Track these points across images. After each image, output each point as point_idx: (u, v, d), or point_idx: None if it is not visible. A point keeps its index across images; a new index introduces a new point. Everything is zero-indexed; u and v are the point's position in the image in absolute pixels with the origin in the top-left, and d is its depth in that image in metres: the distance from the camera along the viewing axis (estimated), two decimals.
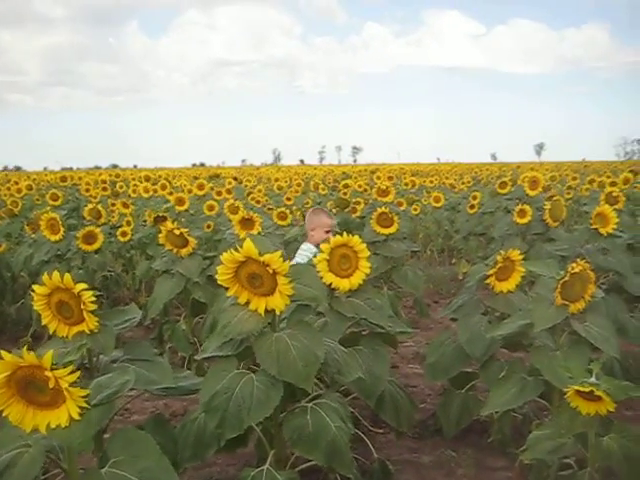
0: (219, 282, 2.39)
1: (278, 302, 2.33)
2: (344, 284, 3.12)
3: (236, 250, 2.32)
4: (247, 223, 5.28)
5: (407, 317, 6.65)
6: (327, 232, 4.78)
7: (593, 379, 2.22)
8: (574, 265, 2.86)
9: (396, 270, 6.22)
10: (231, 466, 3.71)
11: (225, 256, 2.33)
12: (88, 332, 2.44)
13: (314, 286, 2.44)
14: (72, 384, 1.76)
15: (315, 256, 4.35)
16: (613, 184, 7.93)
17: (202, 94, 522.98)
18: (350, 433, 2.49)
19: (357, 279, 3.13)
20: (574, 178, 14.21)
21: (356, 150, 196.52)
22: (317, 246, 4.64)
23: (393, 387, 3.43)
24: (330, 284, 3.10)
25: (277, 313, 2.41)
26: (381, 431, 4.10)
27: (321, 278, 3.05)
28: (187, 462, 2.68)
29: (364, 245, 3.11)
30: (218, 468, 3.72)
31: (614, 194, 6.54)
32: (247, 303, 2.42)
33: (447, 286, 8.31)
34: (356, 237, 3.10)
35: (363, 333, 3.46)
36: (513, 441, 3.48)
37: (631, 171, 10.63)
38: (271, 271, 2.28)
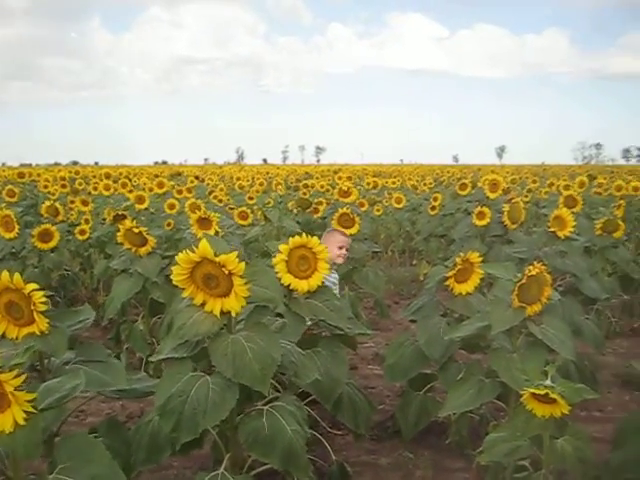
0: (174, 283, 2.35)
1: (234, 304, 2.29)
2: (302, 285, 3.09)
3: (192, 250, 2.28)
4: (205, 222, 5.22)
5: (368, 318, 6.65)
6: (340, 248, 4.72)
7: (548, 382, 2.23)
8: (531, 268, 2.88)
9: (357, 271, 6.24)
10: (187, 469, 3.66)
11: (180, 256, 2.28)
12: (39, 334, 2.38)
13: (271, 287, 2.41)
14: (18, 388, 1.71)
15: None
16: (569, 187, 8.03)
17: (166, 91, 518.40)
18: (306, 436, 2.47)
19: (316, 280, 3.11)
20: (534, 181, 14.42)
21: (319, 150, 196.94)
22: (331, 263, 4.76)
23: (351, 389, 3.42)
24: (289, 285, 3.07)
25: (233, 315, 2.37)
26: (340, 433, 4.08)
27: (279, 279, 3.03)
28: (141, 465, 2.64)
29: (323, 246, 3.09)
30: (175, 471, 3.67)
31: (573, 197, 6.63)
32: (203, 304, 2.38)
33: (408, 287, 8.34)
34: (315, 238, 3.08)
35: (322, 335, 3.44)
36: (471, 442, 3.50)
37: (588, 175, 10.81)
38: (227, 272, 2.24)
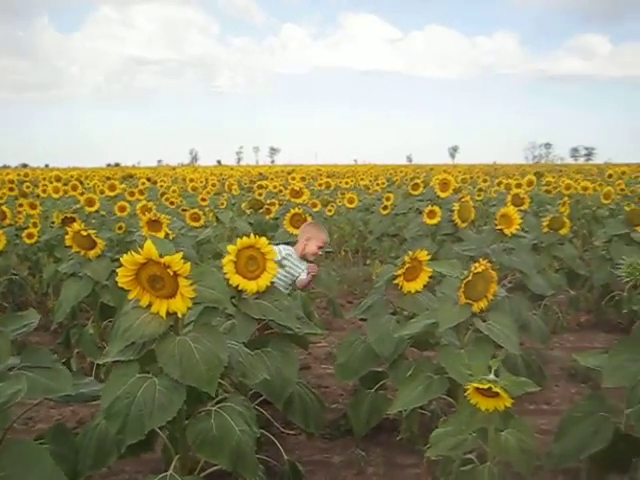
0: (119, 284, 2.33)
1: (179, 305, 2.29)
2: (251, 286, 3.10)
3: (137, 252, 2.27)
4: (155, 225, 5.18)
5: (321, 318, 6.66)
6: (319, 248, 4.75)
7: (492, 376, 2.27)
8: (477, 265, 2.93)
9: None
10: (139, 473, 3.63)
11: (125, 258, 2.27)
12: None
13: (217, 288, 2.40)
14: None
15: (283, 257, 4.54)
16: (518, 186, 8.18)
17: (118, 92, 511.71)
18: (255, 436, 2.47)
19: (264, 281, 3.12)
20: (484, 180, 14.63)
21: (274, 151, 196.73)
22: (301, 256, 4.75)
23: (302, 388, 3.43)
24: (237, 286, 3.08)
25: (180, 316, 2.36)
26: (293, 432, 4.09)
27: (228, 280, 3.03)
28: (89, 470, 2.60)
29: (271, 247, 3.11)
30: (126, 475, 3.63)
31: (520, 196, 6.75)
32: (149, 306, 2.37)
33: (361, 286, 8.38)
34: (263, 239, 3.09)
35: (273, 334, 3.45)
36: (421, 438, 3.53)
37: (535, 173, 11.03)
38: (172, 273, 2.23)
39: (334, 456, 3.89)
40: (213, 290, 2.39)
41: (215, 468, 2.67)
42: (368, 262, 9.64)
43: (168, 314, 2.32)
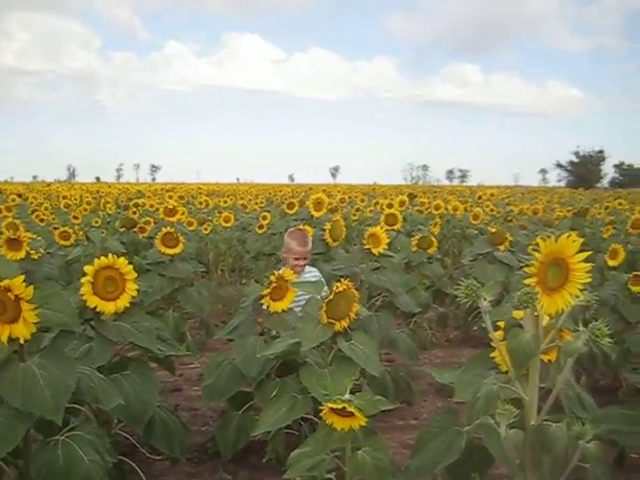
0: None
1: (22, 330, 2.17)
2: (109, 307, 3.00)
3: None
4: (14, 244, 4.93)
5: (194, 338, 6.55)
6: (296, 259, 4.57)
7: (347, 396, 2.28)
8: (338, 284, 2.95)
9: (181, 291, 6.14)
10: None
11: None
12: None
13: (65, 311, 2.30)
14: None
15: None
16: (390, 206, 8.40)
17: None
18: (107, 466, 2.37)
19: (123, 302, 3.03)
20: (362, 200, 14.94)
21: (155, 169, 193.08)
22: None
23: (164, 412, 3.34)
24: (95, 307, 2.96)
25: (22, 342, 2.24)
26: (160, 458, 3.97)
27: (85, 302, 2.92)
28: None
29: (130, 267, 3.02)
30: None
31: (393, 215, 6.92)
32: None
33: (236, 306, 8.30)
34: (122, 259, 3.00)
35: (136, 357, 3.35)
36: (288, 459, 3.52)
37: (409, 195, 11.37)
38: (13, 297, 2.12)
39: None
40: (61, 313, 2.29)
41: None
42: (244, 282, 9.60)
43: (11, 340, 2.20)
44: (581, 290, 1.62)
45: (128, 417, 2.98)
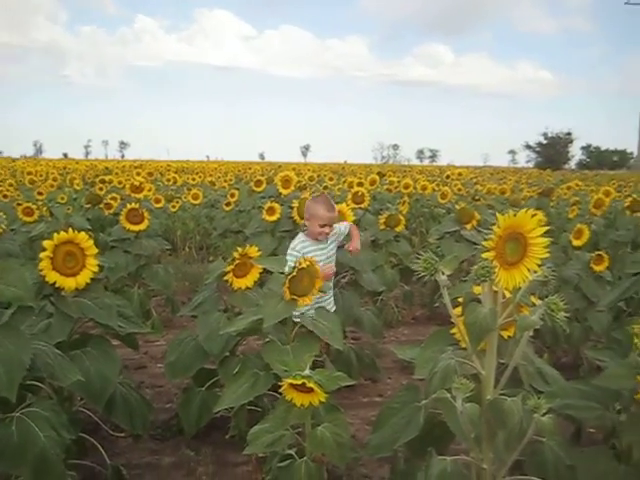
0: None
1: None
2: (70, 283, 2.94)
3: None
4: None
5: (160, 316, 6.50)
6: (322, 226, 4.15)
7: (307, 371, 2.27)
8: (301, 261, 2.93)
9: (147, 268, 6.09)
10: None
11: None
12: None
13: (19, 285, 2.25)
14: None
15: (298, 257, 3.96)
16: (360, 184, 8.37)
17: None
18: (64, 442, 2.33)
19: (84, 278, 2.98)
20: (331, 178, 14.91)
21: (124, 145, 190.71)
22: (314, 239, 4.23)
23: (126, 389, 3.31)
24: (54, 283, 2.91)
25: None
26: (123, 435, 3.95)
27: (44, 277, 2.87)
28: None
29: (91, 242, 2.97)
30: None
31: (360, 193, 6.91)
32: None
33: (203, 284, 8.27)
34: (82, 234, 2.95)
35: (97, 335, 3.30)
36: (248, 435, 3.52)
37: (378, 173, 11.36)
38: None
39: (164, 458, 3.80)
40: (15, 287, 2.24)
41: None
42: (212, 259, 9.54)
43: None
44: (539, 265, 1.62)
45: (88, 394, 2.94)
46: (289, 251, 4.16)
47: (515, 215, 1.60)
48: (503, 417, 1.63)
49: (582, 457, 1.89)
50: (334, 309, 4.19)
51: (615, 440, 2.02)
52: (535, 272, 1.63)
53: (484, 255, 1.66)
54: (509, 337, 1.96)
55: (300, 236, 4.31)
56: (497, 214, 1.62)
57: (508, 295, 1.80)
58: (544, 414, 1.60)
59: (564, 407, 1.89)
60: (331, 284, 4.29)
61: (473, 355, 1.80)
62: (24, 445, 2.18)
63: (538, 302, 1.69)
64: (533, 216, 1.59)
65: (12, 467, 2.19)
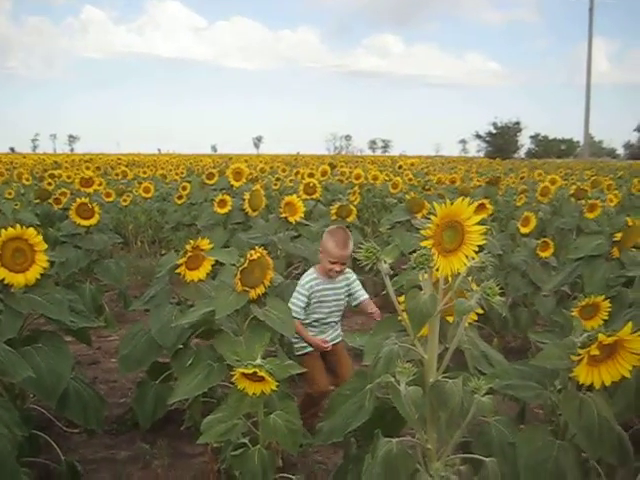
0: None
1: None
2: (19, 279, 2.95)
3: None
4: None
5: (113, 311, 6.48)
6: (332, 263, 3.84)
7: (259, 361, 2.32)
8: (252, 252, 2.97)
9: (98, 263, 6.05)
10: None
11: None
12: None
13: None
14: None
15: (308, 296, 3.89)
16: (311, 175, 8.43)
17: None
18: (16, 440, 2.34)
19: (34, 274, 2.98)
20: (283, 170, 14.94)
21: (73, 139, 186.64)
22: (325, 275, 3.97)
23: (79, 384, 3.31)
24: (3, 279, 2.90)
25: None
26: (77, 431, 3.95)
27: None
28: None
29: (40, 238, 2.96)
30: None
31: (311, 184, 6.97)
32: None
33: (155, 277, 8.24)
34: (31, 229, 2.94)
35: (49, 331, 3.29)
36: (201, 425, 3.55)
37: (329, 164, 11.43)
38: None
39: (120, 452, 3.82)
40: None
41: None
42: (164, 252, 9.50)
43: None
44: (476, 252, 1.70)
45: (40, 390, 2.94)
46: (298, 288, 3.97)
47: (452, 204, 1.67)
48: (445, 398, 1.70)
49: (521, 434, 1.98)
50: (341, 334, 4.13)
51: (555, 418, 2.12)
52: (473, 259, 1.70)
53: (423, 243, 1.73)
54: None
55: (311, 271, 4.06)
56: (434, 204, 1.69)
57: (450, 281, 1.87)
58: (484, 394, 1.68)
59: (505, 387, 1.98)
60: (337, 319, 4.12)
61: (416, 340, 1.87)
62: None
63: (476, 288, 1.76)
64: (469, 205, 1.65)
65: None
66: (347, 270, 4.00)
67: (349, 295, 4.09)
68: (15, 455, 2.31)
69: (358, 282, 4.11)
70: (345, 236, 3.92)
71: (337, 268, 3.85)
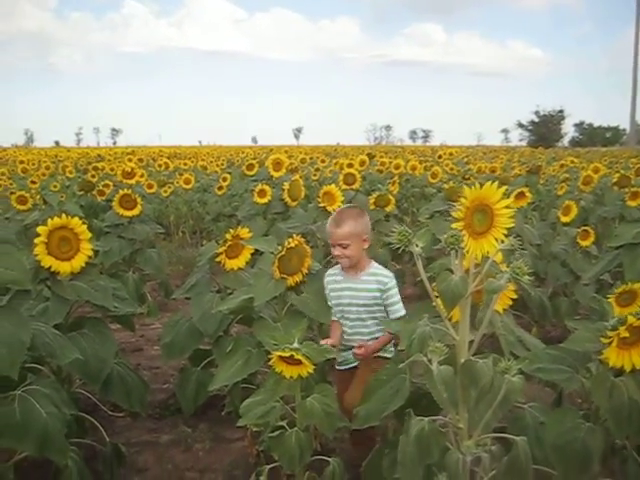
0: None
1: None
2: (65, 267, 3.04)
3: None
4: None
5: (155, 300, 6.61)
6: (333, 246, 3.24)
7: (295, 345, 2.37)
8: (290, 240, 3.03)
9: (140, 253, 6.17)
10: None
11: None
12: None
13: (16, 268, 2.33)
14: None
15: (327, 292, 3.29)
16: (350, 166, 8.45)
17: None
18: (65, 418, 2.43)
19: (79, 262, 3.07)
20: (322, 160, 14.97)
21: (115, 132, 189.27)
22: (347, 271, 3.32)
23: (123, 369, 3.40)
24: (50, 267, 3.00)
25: None
26: (122, 415, 4.06)
27: (39, 262, 2.96)
28: None
29: (84, 227, 3.06)
30: None
31: (351, 174, 7.00)
32: None
33: (196, 266, 8.36)
34: (75, 219, 3.04)
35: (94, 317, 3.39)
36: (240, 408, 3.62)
37: (368, 154, 11.42)
38: None
39: (162, 435, 3.91)
40: (12, 271, 2.32)
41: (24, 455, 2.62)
42: (205, 242, 9.63)
43: None
44: (505, 235, 1.73)
45: (85, 373, 3.03)
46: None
47: (481, 188, 1.70)
48: (475, 377, 1.73)
49: (551, 415, 2.00)
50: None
51: (587, 404, 2.14)
52: (502, 242, 1.73)
53: (453, 225, 1.76)
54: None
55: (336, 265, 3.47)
56: (464, 187, 1.72)
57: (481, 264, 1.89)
58: (514, 376, 1.71)
59: (536, 370, 2.00)
60: (367, 337, 3.26)
61: (447, 321, 1.90)
62: (27, 421, 2.27)
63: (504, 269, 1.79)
64: (498, 189, 1.68)
65: (16, 443, 2.28)
66: (384, 273, 3.28)
67: (384, 305, 3.25)
68: (64, 433, 2.40)
69: (396, 292, 3.23)
70: (341, 214, 3.32)
71: (335, 252, 3.22)
